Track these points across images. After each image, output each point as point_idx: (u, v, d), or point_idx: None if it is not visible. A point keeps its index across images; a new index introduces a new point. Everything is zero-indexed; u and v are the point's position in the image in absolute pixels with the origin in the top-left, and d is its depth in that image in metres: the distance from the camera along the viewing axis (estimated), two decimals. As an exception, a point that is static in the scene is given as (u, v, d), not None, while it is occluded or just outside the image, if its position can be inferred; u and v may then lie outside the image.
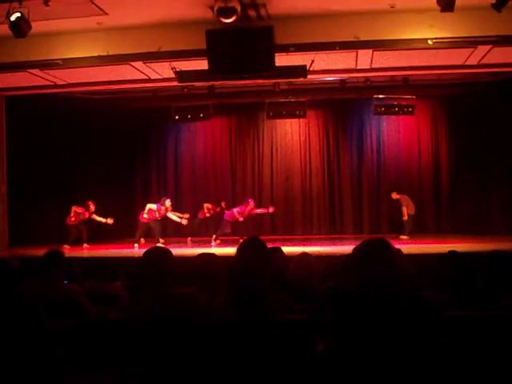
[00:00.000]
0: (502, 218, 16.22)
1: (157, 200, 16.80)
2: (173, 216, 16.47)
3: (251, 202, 17.09)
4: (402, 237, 16.59)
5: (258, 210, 17.68)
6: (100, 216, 16.13)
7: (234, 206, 17.33)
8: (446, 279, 4.99)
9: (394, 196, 17.55)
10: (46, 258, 5.25)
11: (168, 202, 16.11)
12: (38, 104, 15.76)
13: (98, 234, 16.84)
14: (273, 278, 4.50)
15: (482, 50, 11.92)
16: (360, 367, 3.49)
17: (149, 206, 16.02)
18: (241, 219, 16.81)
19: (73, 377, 4.00)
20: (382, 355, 3.46)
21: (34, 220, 16.53)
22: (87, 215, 16.00)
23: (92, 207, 16.05)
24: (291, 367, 3.77)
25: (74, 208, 15.91)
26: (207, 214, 17.52)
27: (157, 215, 15.95)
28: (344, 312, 3.65)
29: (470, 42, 11.49)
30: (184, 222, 16.62)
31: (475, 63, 12.92)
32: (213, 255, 5.39)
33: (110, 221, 16.05)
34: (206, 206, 17.62)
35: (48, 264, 5.17)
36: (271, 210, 17.66)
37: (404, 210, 17.16)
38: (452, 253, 5.93)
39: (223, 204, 17.94)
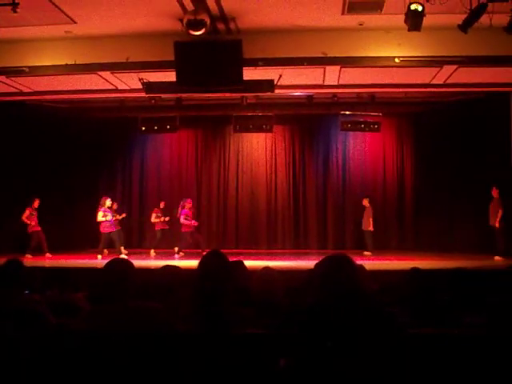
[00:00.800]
0: (464, 235, 16.37)
1: (121, 211, 16.75)
2: (103, 217, 15.92)
3: (189, 201, 16.96)
4: (365, 253, 16.68)
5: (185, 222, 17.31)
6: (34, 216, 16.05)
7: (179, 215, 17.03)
8: (408, 296, 5.02)
9: (365, 203, 17.60)
10: (4, 267, 5.18)
11: (108, 202, 15.88)
12: (4, 111, 15.58)
13: (62, 244, 16.65)
14: (236, 292, 4.49)
15: (447, 69, 12.10)
16: (321, 383, 3.49)
17: (99, 215, 15.77)
18: (195, 223, 16.84)
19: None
20: (344, 371, 3.46)
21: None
22: (35, 208, 15.90)
23: (35, 203, 15.97)
24: (253, 382, 3.76)
25: (23, 218, 15.78)
26: (162, 219, 17.36)
27: (110, 218, 15.70)
28: (306, 327, 3.65)
29: (437, 62, 11.64)
30: (118, 217, 16.73)
31: (441, 82, 13.10)
32: (176, 267, 5.37)
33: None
34: (153, 216, 17.50)
35: (7, 274, 5.10)
36: (194, 223, 17.42)
37: (370, 220, 17.29)
38: (414, 270, 5.97)
39: (162, 204, 17.84)
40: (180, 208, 16.83)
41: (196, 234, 17.02)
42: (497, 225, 14.97)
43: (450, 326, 4.14)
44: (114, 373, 3.74)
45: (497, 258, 14.39)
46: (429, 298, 4.76)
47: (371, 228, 17.25)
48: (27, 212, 15.82)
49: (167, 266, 5.41)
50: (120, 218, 16.99)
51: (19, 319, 4.31)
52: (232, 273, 4.66)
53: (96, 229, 16.24)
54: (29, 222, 15.77)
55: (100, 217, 15.59)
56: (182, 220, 16.57)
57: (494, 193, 15.16)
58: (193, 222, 16.72)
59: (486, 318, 4.20)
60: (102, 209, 15.69)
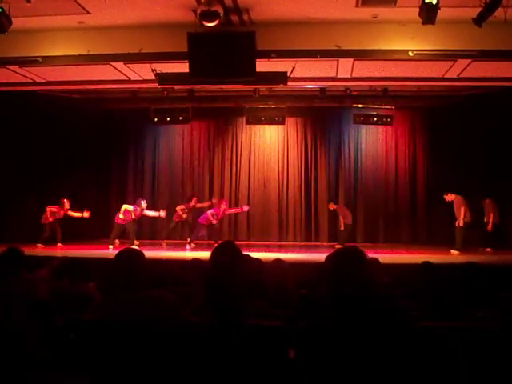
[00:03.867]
0: (477, 230, 16.31)
1: (132, 201, 16.73)
2: (150, 212, 16.48)
3: (224, 203, 17.08)
4: (336, 246, 16.89)
5: (232, 210, 17.66)
6: (75, 211, 16.06)
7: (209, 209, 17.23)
8: (420, 290, 5.01)
9: (331, 207, 17.93)
10: (4, 255, 5.22)
11: (144, 203, 16.08)
12: (17, 101, 15.62)
13: (73, 235, 16.71)
14: (247, 284, 4.49)
15: (461, 63, 12.01)
16: (331, 375, 3.48)
17: (124, 206, 15.93)
18: (215, 222, 16.77)
19: (41, 380, 3.96)
20: (354, 364, 3.46)
21: (8, 219, 16.39)
22: (62, 213, 15.93)
23: (67, 204, 16.00)
24: (263, 373, 3.76)
25: (48, 208, 15.83)
26: (184, 216, 17.36)
27: (132, 216, 15.86)
28: (317, 319, 3.65)
29: (450, 56, 11.57)
30: (162, 214, 16.67)
31: (454, 76, 13.01)
32: (204, 262, 5.39)
33: (86, 214, 16.05)
34: (179, 208, 17.44)
35: (6, 262, 5.14)
36: (246, 208, 17.62)
37: (341, 220, 17.54)
38: (426, 264, 5.95)
39: (194, 200, 17.76)
40: (212, 204, 17.33)
41: (212, 227, 17.03)
42: (489, 227, 15.77)
43: (462, 320, 4.13)
44: (125, 362, 3.74)
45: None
46: (440, 291, 4.75)
47: (342, 228, 17.63)
48: (55, 209, 15.91)
49: (195, 259, 5.44)
50: (162, 212, 17.04)
51: (26, 307, 4.32)
52: (244, 264, 4.66)
53: (107, 219, 16.29)
54: (49, 215, 15.82)
55: (126, 206, 15.92)
56: (209, 214, 16.70)
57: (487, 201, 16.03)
58: (214, 221, 16.77)
59: (498, 312, 4.19)
60: (135, 207, 15.99)
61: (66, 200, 16.00)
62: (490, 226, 15.75)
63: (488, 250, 15.39)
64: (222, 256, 4.46)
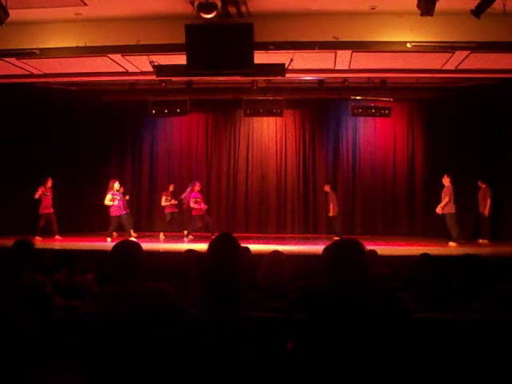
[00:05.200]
0: (474, 223, 16.32)
1: (129, 192, 16.79)
2: (109, 201, 15.82)
3: (197, 184, 17.02)
4: (334, 238, 16.93)
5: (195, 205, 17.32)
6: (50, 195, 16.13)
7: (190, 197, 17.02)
8: (418, 281, 5.01)
9: (326, 188, 17.82)
10: (15, 247, 5.18)
11: (116, 184, 15.81)
12: (15, 93, 15.60)
13: (71, 227, 16.71)
14: (244, 276, 4.49)
15: (460, 55, 12.01)
16: (328, 366, 3.48)
17: (106, 199, 15.74)
18: (204, 206, 16.90)
19: (38, 371, 3.95)
20: (351, 355, 3.46)
21: (4, 210, 16.39)
22: (49, 188, 15.93)
23: (49, 183, 16.03)
24: (261, 365, 3.76)
25: (36, 195, 15.85)
26: (172, 203, 17.33)
27: (118, 201, 15.66)
28: (315, 311, 3.65)
29: (449, 47, 11.56)
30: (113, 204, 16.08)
31: (453, 68, 13.00)
32: (198, 252, 5.38)
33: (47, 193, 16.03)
34: (163, 200, 17.46)
35: (17, 254, 5.10)
36: (204, 206, 17.36)
37: (330, 206, 17.44)
38: (425, 255, 5.96)
39: (171, 186, 17.73)
40: (189, 191, 16.87)
41: (206, 218, 17.06)
42: (486, 212, 15.74)
43: (459, 312, 4.13)
44: (121, 354, 3.74)
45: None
46: (439, 283, 4.75)
47: (331, 214, 17.50)
48: (40, 191, 15.86)
49: (190, 250, 5.43)
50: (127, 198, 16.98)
51: (26, 300, 4.31)
52: (242, 256, 4.65)
53: (105, 211, 16.28)
54: (43, 197, 15.81)
55: (107, 200, 15.54)
56: (191, 204, 16.62)
57: (482, 184, 16.03)
58: (202, 205, 16.76)
59: (495, 304, 4.19)
60: (111, 192, 15.62)
61: (49, 178, 16.05)
62: (487, 211, 15.75)
63: (484, 241, 15.41)
64: (219, 248, 4.45)
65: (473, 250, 8.43)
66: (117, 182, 15.92)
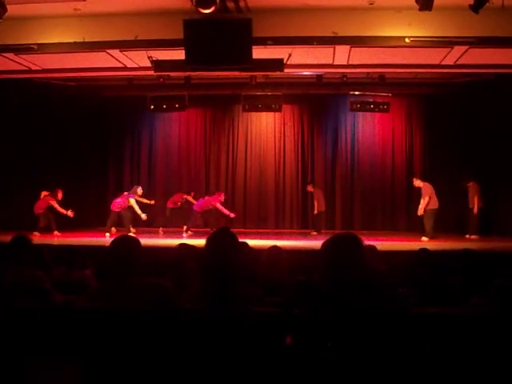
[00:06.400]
0: (473, 218, 16.34)
1: (129, 189, 16.77)
2: (136, 206, 16.28)
3: (222, 195, 17.21)
4: (312, 233, 17.31)
5: (223, 209, 17.50)
6: (62, 207, 15.93)
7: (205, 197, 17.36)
8: (416, 276, 5.02)
9: (309, 188, 18.14)
10: (12, 243, 5.18)
11: (140, 190, 16.12)
12: (11, 89, 15.57)
13: (70, 223, 16.70)
14: (243, 271, 4.49)
15: (458, 50, 11.99)
16: (327, 361, 3.49)
17: (131, 202, 15.95)
18: (210, 207, 17.06)
19: (36, 366, 3.96)
20: (350, 350, 3.46)
21: (3, 207, 16.38)
22: (55, 202, 15.85)
23: (59, 195, 15.96)
24: (260, 360, 3.76)
25: (43, 193, 15.80)
26: (178, 204, 17.42)
27: (127, 203, 15.91)
28: (314, 305, 3.65)
29: (447, 42, 11.54)
30: (144, 217, 16.39)
31: (451, 63, 12.98)
32: (192, 246, 5.38)
33: (70, 213, 15.78)
34: (185, 197, 17.61)
35: (14, 249, 5.10)
36: (232, 215, 17.70)
37: (315, 203, 17.72)
38: (423, 250, 5.96)
39: (192, 194, 17.87)
40: (215, 197, 17.40)
41: (209, 215, 17.08)
42: (475, 210, 15.97)
43: (457, 306, 4.14)
44: (119, 349, 3.74)
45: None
46: (437, 278, 4.75)
47: (316, 212, 17.89)
48: (49, 198, 15.82)
49: (182, 244, 5.42)
50: (149, 203, 17.23)
51: (26, 295, 4.32)
52: (240, 251, 4.66)
53: (104, 207, 16.29)
54: (41, 200, 15.80)
55: (132, 203, 15.93)
56: (218, 205, 17.15)
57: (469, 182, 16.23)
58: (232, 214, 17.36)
59: (493, 299, 4.19)
60: (134, 196, 16.14)
61: (60, 191, 15.98)
62: (476, 209, 15.89)
63: (473, 237, 15.53)
64: (217, 242, 4.45)
65: (467, 245, 8.46)
66: (140, 188, 16.42)
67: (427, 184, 15.50)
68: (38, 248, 5.53)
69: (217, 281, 4.03)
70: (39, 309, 4.15)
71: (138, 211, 16.11)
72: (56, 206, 15.77)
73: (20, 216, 16.33)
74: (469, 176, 16.11)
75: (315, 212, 17.75)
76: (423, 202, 15.20)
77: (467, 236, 15.68)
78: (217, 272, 4.09)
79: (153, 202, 17.37)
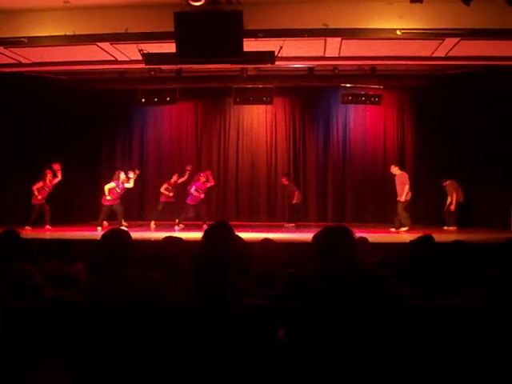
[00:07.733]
0: (463, 210, 16.40)
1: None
2: (128, 185, 16.51)
3: (203, 175, 17.11)
4: (286, 225, 17.57)
5: (203, 185, 17.37)
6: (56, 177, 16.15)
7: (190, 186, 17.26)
8: (408, 268, 5.02)
9: (284, 181, 18.20)
10: (0, 238, 5.16)
11: (122, 175, 16.07)
12: (4, 83, 15.50)
13: (62, 217, 16.67)
14: (239, 263, 4.50)
15: (449, 42, 12.01)
16: (319, 354, 3.50)
17: (107, 186, 15.93)
18: (202, 196, 16.98)
19: (30, 361, 3.95)
20: (342, 341, 3.47)
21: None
22: (50, 185, 15.87)
23: (49, 175, 15.99)
24: (252, 352, 3.77)
25: (34, 187, 15.78)
26: (170, 195, 17.37)
27: (118, 190, 15.91)
28: (305, 297, 3.65)
29: (438, 34, 11.56)
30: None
31: (442, 55, 13.01)
32: (179, 239, 5.37)
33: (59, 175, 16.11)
34: (163, 188, 17.46)
35: (3, 244, 5.08)
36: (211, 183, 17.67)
37: (295, 194, 17.81)
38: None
39: (176, 176, 17.80)
40: (194, 180, 17.18)
41: (200, 207, 17.03)
42: (452, 208, 16.14)
43: (448, 298, 4.15)
44: (111, 343, 3.74)
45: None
46: (428, 269, 4.76)
47: (295, 201, 17.86)
48: (40, 184, 15.81)
49: (169, 237, 5.41)
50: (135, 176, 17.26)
51: (16, 290, 4.30)
52: (235, 244, 4.66)
53: (97, 201, 16.26)
54: (37, 193, 15.76)
55: (108, 187, 15.96)
56: (192, 190, 16.78)
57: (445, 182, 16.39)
58: (201, 194, 16.87)
59: (483, 290, 4.21)
60: (116, 182, 16.04)
61: (48, 171, 15.95)
62: (453, 206, 16.06)
63: (451, 228, 15.74)
64: (215, 235, 4.45)
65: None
66: (122, 173, 16.30)
67: (404, 173, 15.60)
68: (27, 242, 5.50)
69: (210, 273, 4.03)
70: (29, 304, 4.14)
71: (118, 190, 16.20)
72: (55, 182, 16.01)
73: (12, 210, 16.29)
74: (445, 175, 16.22)
75: (294, 201, 17.73)
76: (405, 190, 15.32)
77: (445, 228, 15.79)
78: (211, 264, 4.09)
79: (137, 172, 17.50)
